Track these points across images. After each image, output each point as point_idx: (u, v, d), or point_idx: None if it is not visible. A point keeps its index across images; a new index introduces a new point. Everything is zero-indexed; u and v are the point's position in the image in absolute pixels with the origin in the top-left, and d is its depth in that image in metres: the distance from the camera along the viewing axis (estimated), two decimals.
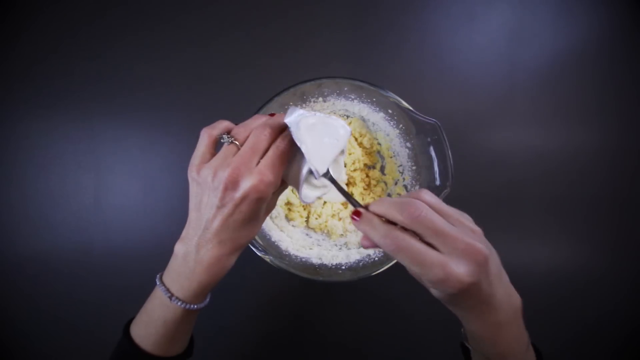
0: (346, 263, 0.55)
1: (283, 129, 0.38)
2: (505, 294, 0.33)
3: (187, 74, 0.62)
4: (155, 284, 0.40)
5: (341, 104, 0.57)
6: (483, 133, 0.63)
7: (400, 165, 0.59)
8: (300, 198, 0.40)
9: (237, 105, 0.61)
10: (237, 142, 0.37)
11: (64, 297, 0.62)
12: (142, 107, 0.62)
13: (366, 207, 0.34)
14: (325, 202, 0.60)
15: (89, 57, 0.62)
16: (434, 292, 0.33)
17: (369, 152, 0.60)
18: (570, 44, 0.63)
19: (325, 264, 0.55)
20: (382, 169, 0.61)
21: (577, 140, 0.63)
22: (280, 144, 0.37)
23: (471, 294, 0.31)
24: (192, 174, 0.37)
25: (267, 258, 0.50)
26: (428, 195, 0.33)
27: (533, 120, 0.63)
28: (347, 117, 0.60)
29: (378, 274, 0.50)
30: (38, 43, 0.62)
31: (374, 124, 0.59)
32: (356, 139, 0.60)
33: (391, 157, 0.59)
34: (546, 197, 0.62)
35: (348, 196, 0.37)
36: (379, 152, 0.61)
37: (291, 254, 0.56)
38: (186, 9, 0.62)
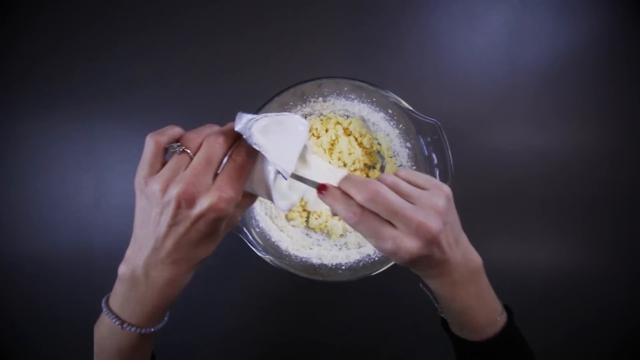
0: (346, 263, 0.55)
1: (238, 137, 0.35)
2: (462, 257, 0.36)
3: (187, 74, 0.62)
4: (101, 309, 0.36)
5: (341, 104, 0.57)
6: (483, 133, 0.63)
7: (400, 165, 0.59)
8: (277, 207, 0.38)
9: (237, 105, 0.61)
10: (188, 151, 0.33)
11: (64, 297, 0.62)
12: (142, 107, 0.62)
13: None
14: None
15: (89, 57, 0.62)
16: (392, 259, 0.35)
17: (369, 152, 0.60)
18: (570, 44, 0.63)
19: (325, 264, 0.55)
20: (382, 169, 0.61)
21: (576, 141, 0.63)
22: (237, 156, 0.34)
23: (422, 262, 0.34)
24: (139, 185, 0.33)
25: (267, 258, 0.50)
26: (390, 178, 0.35)
27: (533, 120, 0.63)
28: (347, 117, 0.60)
29: (378, 274, 0.50)
30: (38, 43, 0.62)
31: (374, 124, 0.59)
32: (356, 139, 0.60)
33: (391, 157, 0.59)
34: (546, 197, 0.63)
35: (310, 181, 0.37)
36: (379, 152, 0.61)
37: (291, 254, 0.56)
38: (186, 9, 0.62)
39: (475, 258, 0.37)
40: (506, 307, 0.40)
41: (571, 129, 0.63)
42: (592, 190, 0.63)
